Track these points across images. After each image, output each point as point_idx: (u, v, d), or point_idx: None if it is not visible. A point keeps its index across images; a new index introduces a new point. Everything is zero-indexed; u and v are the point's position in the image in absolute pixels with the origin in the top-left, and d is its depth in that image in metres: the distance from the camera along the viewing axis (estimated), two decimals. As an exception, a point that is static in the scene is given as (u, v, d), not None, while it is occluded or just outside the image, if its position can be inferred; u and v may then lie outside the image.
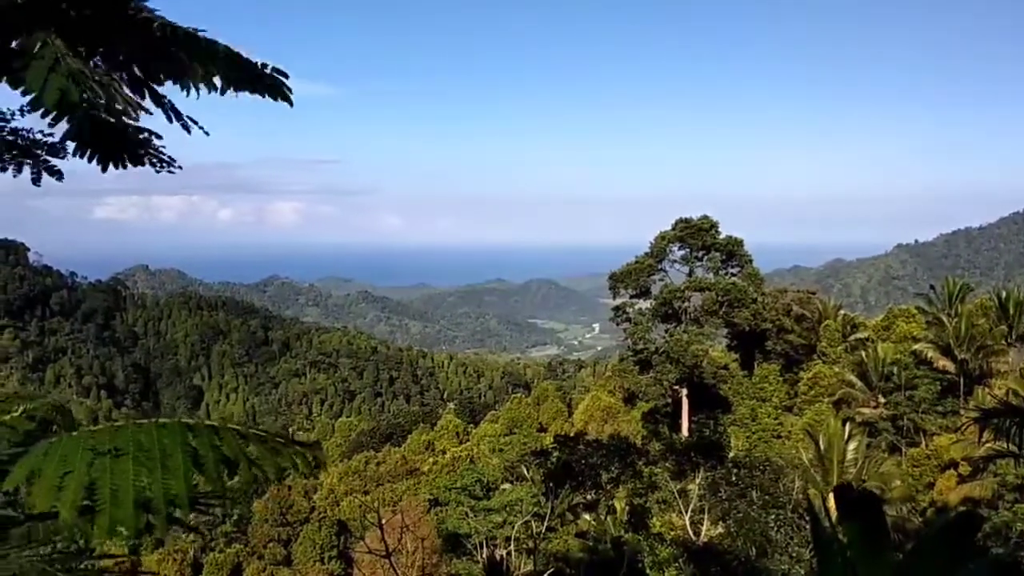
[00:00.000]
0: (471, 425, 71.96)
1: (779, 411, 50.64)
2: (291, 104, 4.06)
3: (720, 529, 25.49)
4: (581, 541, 29.41)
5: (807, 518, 23.08)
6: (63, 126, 3.65)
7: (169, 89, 3.90)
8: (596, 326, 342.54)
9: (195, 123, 4.06)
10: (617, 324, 54.05)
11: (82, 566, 3.52)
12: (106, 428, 2.68)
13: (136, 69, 3.80)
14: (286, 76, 3.93)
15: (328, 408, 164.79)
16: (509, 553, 25.53)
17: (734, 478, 27.97)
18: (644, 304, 52.22)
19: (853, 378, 46.35)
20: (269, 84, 3.90)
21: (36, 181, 4.74)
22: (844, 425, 31.32)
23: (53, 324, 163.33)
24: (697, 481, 27.40)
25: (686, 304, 51.21)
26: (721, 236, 50.83)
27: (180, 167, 4.37)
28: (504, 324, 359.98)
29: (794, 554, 22.67)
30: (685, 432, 49.82)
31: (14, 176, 4.70)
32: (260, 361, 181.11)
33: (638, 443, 43.96)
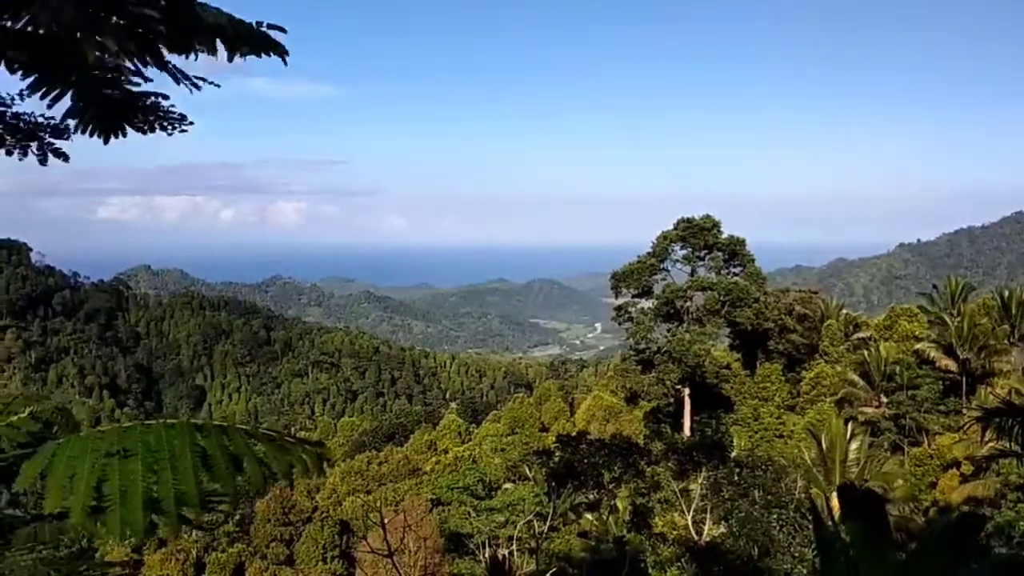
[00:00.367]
0: (473, 425, 72.00)
1: (781, 411, 50.57)
2: (285, 61, 3.80)
3: (722, 529, 25.48)
4: (583, 541, 29.42)
5: (809, 518, 23.08)
6: (66, 104, 3.65)
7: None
8: (598, 326, 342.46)
9: (204, 80, 3.91)
10: (619, 324, 54.06)
11: (84, 568, 3.53)
12: (114, 429, 2.68)
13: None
14: (283, 31, 3.70)
15: (330, 408, 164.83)
16: (511, 553, 25.55)
17: (736, 478, 27.93)
18: (646, 304, 52.22)
19: (855, 377, 46.30)
20: (264, 42, 3.71)
21: (43, 162, 4.78)
22: (846, 425, 31.29)
23: (55, 324, 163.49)
24: (699, 481, 27.38)
25: (688, 304, 51.22)
26: (723, 236, 50.82)
27: (192, 123, 4.33)
28: (506, 324, 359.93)
29: (796, 554, 22.66)
30: (687, 432, 49.78)
31: (20, 159, 4.74)
32: (262, 361, 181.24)
33: (640, 443, 43.88)
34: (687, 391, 50.69)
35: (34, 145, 4.73)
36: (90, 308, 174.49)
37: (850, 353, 50.82)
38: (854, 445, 30.05)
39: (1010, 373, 42.35)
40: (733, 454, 37.24)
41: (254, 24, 3.57)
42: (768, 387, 51.76)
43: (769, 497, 25.87)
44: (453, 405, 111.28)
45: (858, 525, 2.73)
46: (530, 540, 26.22)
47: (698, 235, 50.70)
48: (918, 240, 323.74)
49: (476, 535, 28.30)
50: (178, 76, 3.76)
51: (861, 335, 53.01)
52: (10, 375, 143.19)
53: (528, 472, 33.55)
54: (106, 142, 4.01)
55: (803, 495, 26.92)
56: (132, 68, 3.65)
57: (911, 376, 44.43)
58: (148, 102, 4.03)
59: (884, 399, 45.35)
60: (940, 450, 40.63)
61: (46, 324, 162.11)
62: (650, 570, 24.36)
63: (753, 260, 51.34)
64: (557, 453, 35.52)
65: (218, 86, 4.04)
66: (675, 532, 27.01)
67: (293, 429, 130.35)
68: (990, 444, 29.94)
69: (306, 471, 2.79)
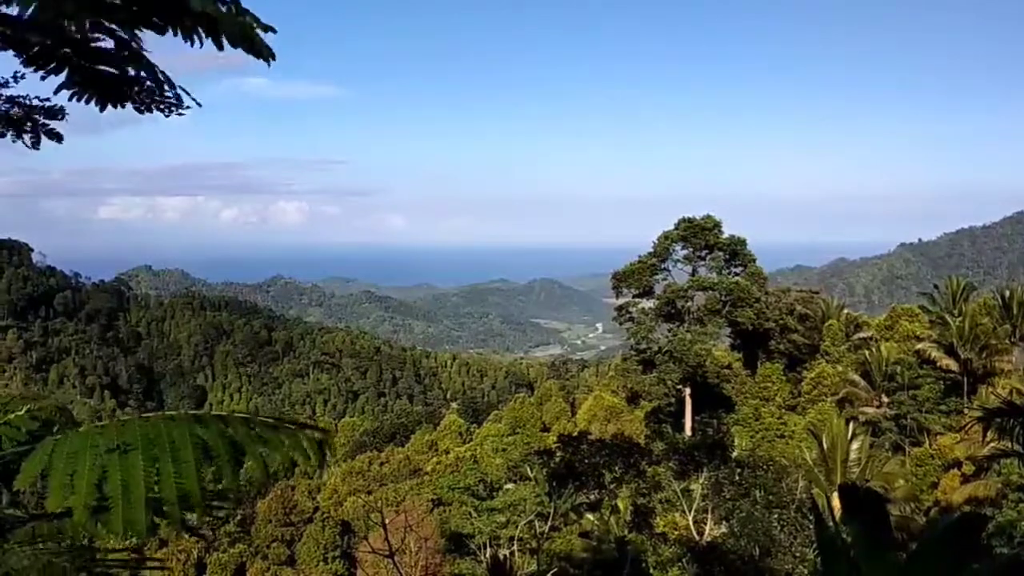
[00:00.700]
0: (474, 425, 72.03)
1: (782, 411, 50.57)
2: (269, 64, 3.73)
3: (723, 529, 25.48)
4: (584, 541, 29.42)
5: (810, 518, 23.06)
6: (59, 80, 3.62)
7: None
8: (599, 326, 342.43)
9: (188, 94, 3.89)
10: (620, 324, 54.08)
11: (85, 559, 3.51)
12: (112, 424, 2.64)
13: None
14: (273, 31, 3.61)
15: (331, 408, 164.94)
16: (512, 553, 25.54)
17: (737, 478, 27.91)
18: (647, 304, 52.24)
19: (856, 377, 46.31)
20: (252, 42, 3.61)
21: (36, 144, 4.76)
22: (847, 424, 31.30)
23: (57, 324, 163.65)
24: (700, 481, 27.37)
25: (689, 303, 51.23)
26: (724, 236, 50.83)
27: (189, 107, 4.20)
28: (507, 324, 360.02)
29: (797, 554, 22.66)
30: (688, 432, 49.77)
31: (13, 141, 4.72)
32: (263, 361, 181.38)
33: (641, 443, 43.86)
34: (688, 391, 50.69)
35: (27, 126, 4.71)
36: (91, 308, 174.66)
37: (851, 353, 50.84)
38: (855, 445, 30.04)
39: (1011, 373, 42.38)
40: (734, 454, 37.20)
41: (246, 19, 3.49)
42: (769, 387, 51.77)
43: (770, 497, 25.85)
44: (454, 405, 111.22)
45: (859, 525, 2.72)
46: (531, 540, 26.22)
47: (699, 235, 50.71)
48: (919, 240, 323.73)
49: (477, 535, 28.33)
50: (163, 82, 3.73)
51: (862, 335, 53.02)
52: (11, 375, 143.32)
53: (529, 472, 33.53)
54: (102, 110, 3.98)
55: (804, 495, 26.91)
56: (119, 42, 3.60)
57: (912, 376, 44.43)
58: (145, 85, 4.01)
59: (885, 399, 45.36)
60: (941, 450, 40.62)
61: (47, 324, 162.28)
62: (651, 570, 24.36)
63: (754, 260, 51.35)
64: (558, 453, 35.49)
65: (200, 105, 4.03)
66: (676, 532, 27.01)
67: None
68: (991, 444, 29.92)
69: (308, 457, 2.76)
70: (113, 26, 3.44)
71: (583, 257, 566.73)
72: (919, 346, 45.96)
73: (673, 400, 52.87)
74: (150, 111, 4.18)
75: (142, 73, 3.85)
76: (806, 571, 21.60)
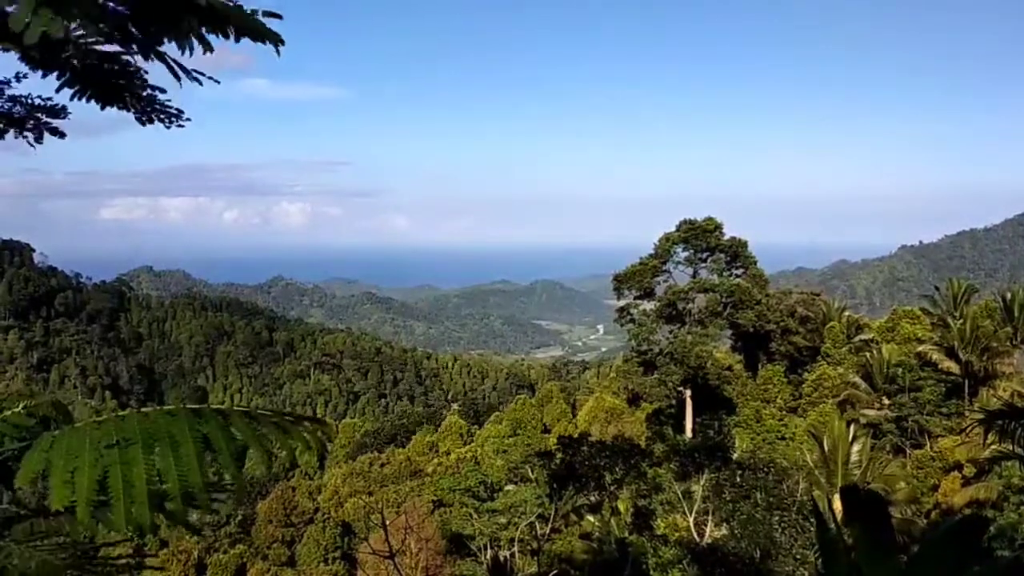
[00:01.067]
0: (475, 426, 71.99)
1: (783, 412, 50.54)
2: (278, 50, 3.69)
3: (724, 531, 25.45)
4: (585, 542, 29.43)
5: (811, 520, 23.03)
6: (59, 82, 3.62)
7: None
8: (600, 327, 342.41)
9: (203, 75, 3.83)
10: (621, 325, 54.03)
11: (85, 555, 3.50)
12: (111, 419, 2.63)
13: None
14: (279, 17, 3.59)
15: (332, 409, 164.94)
16: (513, 554, 25.55)
17: (738, 480, 27.87)
18: (648, 305, 52.19)
19: (857, 379, 46.26)
20: (257, 29, 3.57)
21: (39, 140, 4.78)
22: (848, 427, 31.25)
23: (58, 325, 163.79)
24: (701, 483, 27.34)
25: (690, 305, 51.18)
26: (725, 237, 50.80)
27: (189, 119, 4.29)
28: (508, 325, 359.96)
29: (798, 556, 22.62)
30: (689, 433, 49.73)
31: (15, 138, 4.74)
32: (264, 362, 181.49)
33: (642, 444, 43.84)
34: (689, 393, 50.66)
35: (30, 124, 4.73)
36: (92, 309, 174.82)
37: (852, 355, 50.78)
38: (856, 447, 30.02)
39: (1012, 375, 42.36)
40: (735, 456, 37.16)
41: (249, 11, 3.47)
42: (770, 389, 51.75)
43: (771, 499, 25.81)
44: (455, 406, 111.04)
45: (860, 527, 2.71)
46: (532, 542, 26.22)
47: (700, 237, 50.69)
48: (920, 242, 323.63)
49: (478, 536, 28.31)
50: (176, 70, 3.68)
51: (863, 337, 52.95)
52: (12, 375, 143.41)
53: (530, 474, 33.48)
54: (103, 108, 3.99)
55: (805, 497, 26.87)
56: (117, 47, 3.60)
57: (913, 378, 44.36)
58: (145, 94, 4.02)
59: (886, 401, 45.30)
60: (942, 452, 40.57)
61: (48, 325, 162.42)
62: (651, 572, 24.31)
63: (755, 262, 51.31)
64: (559, 455, 35.46)
65: (218, 82, 3.99)
66: (677, 534, 26.97)
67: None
68: (992, 447, 29.84)
69: (309, 447, 2.76)
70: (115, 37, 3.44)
71: (584, 258, 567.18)
72: (920, 348, 45.90)
73: (674, 402, 52.82)
74: (151, 122, 4.20)
75: (142, 73, 3.86)
76: (807, 573, 21.57)
